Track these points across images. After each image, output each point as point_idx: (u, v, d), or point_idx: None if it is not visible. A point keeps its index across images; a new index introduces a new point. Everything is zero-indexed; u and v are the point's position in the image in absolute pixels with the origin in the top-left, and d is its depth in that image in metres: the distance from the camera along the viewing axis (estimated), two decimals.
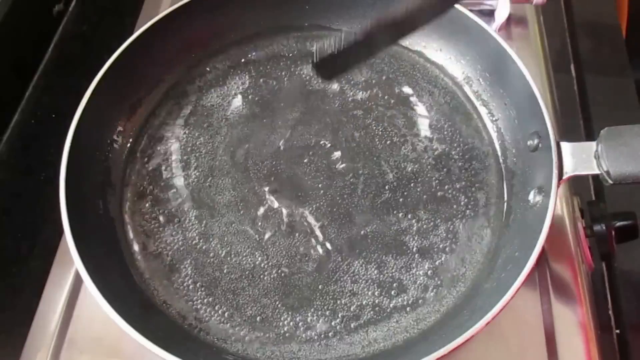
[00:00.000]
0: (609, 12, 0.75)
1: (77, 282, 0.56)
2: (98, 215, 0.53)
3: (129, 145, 0.58)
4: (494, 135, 0.58)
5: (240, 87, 0.62)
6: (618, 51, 0.71)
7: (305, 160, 0.57)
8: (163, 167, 0.57)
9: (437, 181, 0.56)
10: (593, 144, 0.48)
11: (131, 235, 0.54)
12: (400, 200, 0.55)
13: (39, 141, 0.61)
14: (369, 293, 0.51)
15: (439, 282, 0.51)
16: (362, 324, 0.50)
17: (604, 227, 0.55)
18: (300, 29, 0.64)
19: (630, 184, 0.47)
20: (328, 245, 0.53)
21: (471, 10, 0.57)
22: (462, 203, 0.55)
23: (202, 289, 0.52)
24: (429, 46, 0.63)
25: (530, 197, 0.51)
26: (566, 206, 0.58)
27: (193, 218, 0.55)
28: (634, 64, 0.69)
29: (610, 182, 0.46)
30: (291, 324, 0.50)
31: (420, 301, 0.51)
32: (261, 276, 0.52)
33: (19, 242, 0.58)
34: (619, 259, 0.58)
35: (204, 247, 0.53)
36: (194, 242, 0.54)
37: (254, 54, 0.64)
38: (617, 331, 0.56)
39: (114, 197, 0.55)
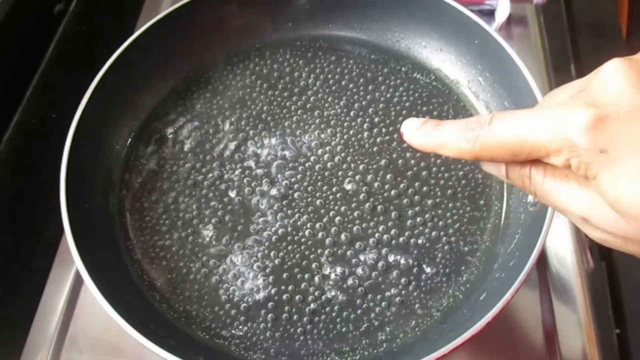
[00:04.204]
0: (609, 12, 0.75)
1: (78, 281, 0.56)
2: (98, 215, 0.53)
3: (129, 144, 0.58)
4: None
5: (242, 87, 0.62)
6: (618, 51, 0.71)
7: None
8: (164, 167, 0.57)
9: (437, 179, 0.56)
10: None
11: (132, 234, 0.54)
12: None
13: (39, 141, 0.61)
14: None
15: (438, 282, 0.51)
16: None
17: None
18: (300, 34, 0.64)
19: None
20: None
21: (471, 10, 0.57)
22: (461, 202, 0.55)
23: (203, 290, 0.52)
24: (429, 46, 0.63)
25: (531, 196, 0.51)
26: None
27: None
28: None
29: None
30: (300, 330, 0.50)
31: (420, 301, 0.51)
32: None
33: (20, 241, 0.58)
34: (619, 259, 0.58)
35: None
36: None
37: (257, 53, 0.64)
38: (617, 331, 0.56)
39: (115, 197, 0.55)
